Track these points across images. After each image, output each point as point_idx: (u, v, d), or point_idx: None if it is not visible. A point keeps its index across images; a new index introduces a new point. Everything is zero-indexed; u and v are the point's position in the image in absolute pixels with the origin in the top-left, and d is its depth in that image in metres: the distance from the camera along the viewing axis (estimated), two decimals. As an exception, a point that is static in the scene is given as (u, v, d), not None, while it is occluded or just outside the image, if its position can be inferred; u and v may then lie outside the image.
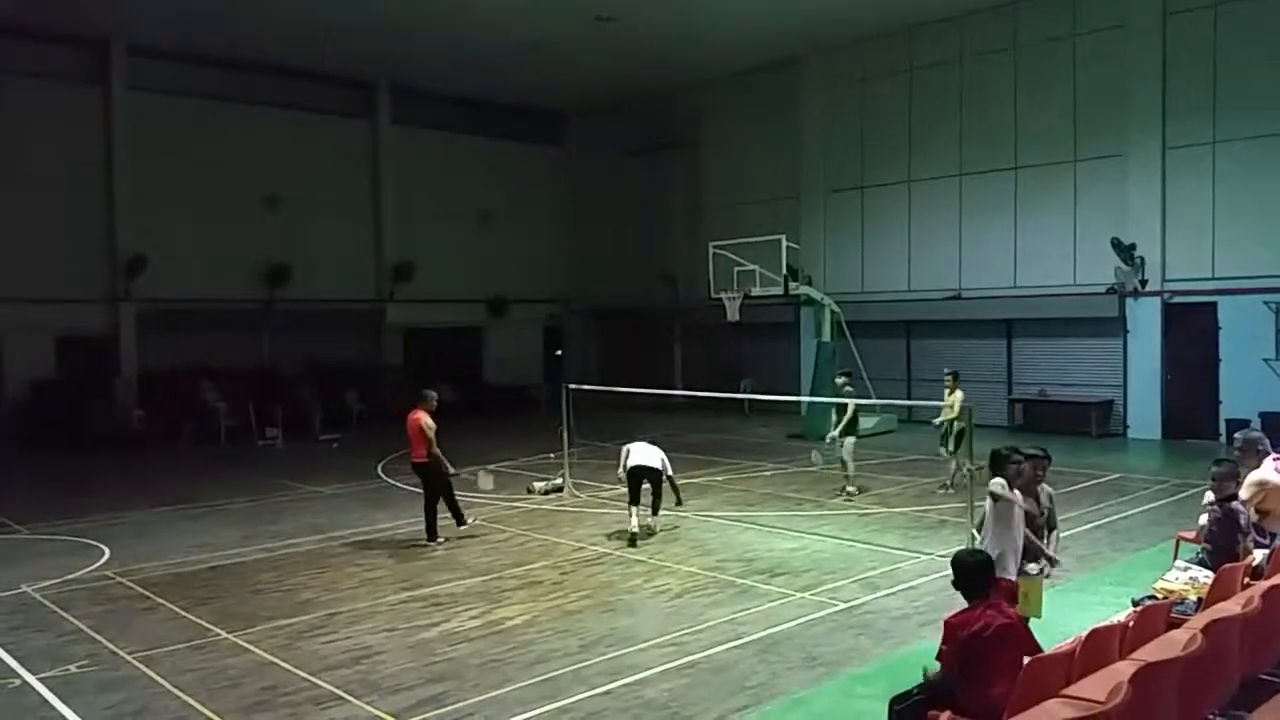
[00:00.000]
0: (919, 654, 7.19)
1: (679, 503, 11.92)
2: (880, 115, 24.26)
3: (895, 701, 5.13)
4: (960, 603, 5.21)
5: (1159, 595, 6.46)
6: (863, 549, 10.84)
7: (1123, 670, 4.14)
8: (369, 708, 6.51)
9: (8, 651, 7.76)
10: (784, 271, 20.58)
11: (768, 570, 9.95)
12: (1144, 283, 19.57)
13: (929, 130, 23.25)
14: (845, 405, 14.10)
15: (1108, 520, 12.04)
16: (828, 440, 14.57)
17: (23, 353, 21.90)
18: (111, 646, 7.84)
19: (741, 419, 24.29)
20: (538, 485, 14.78)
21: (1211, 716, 4.86)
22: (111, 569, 10.50)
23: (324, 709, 6.52)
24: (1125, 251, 19.53)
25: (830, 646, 7.59)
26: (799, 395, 21.73)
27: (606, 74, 26.97)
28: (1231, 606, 5.18)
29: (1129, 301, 19.86)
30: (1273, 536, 7.30)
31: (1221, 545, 6.93)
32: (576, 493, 14.37)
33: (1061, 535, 7.01)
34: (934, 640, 7.21)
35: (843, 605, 8.66)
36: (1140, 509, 12.74)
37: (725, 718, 6.27)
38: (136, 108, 23.39)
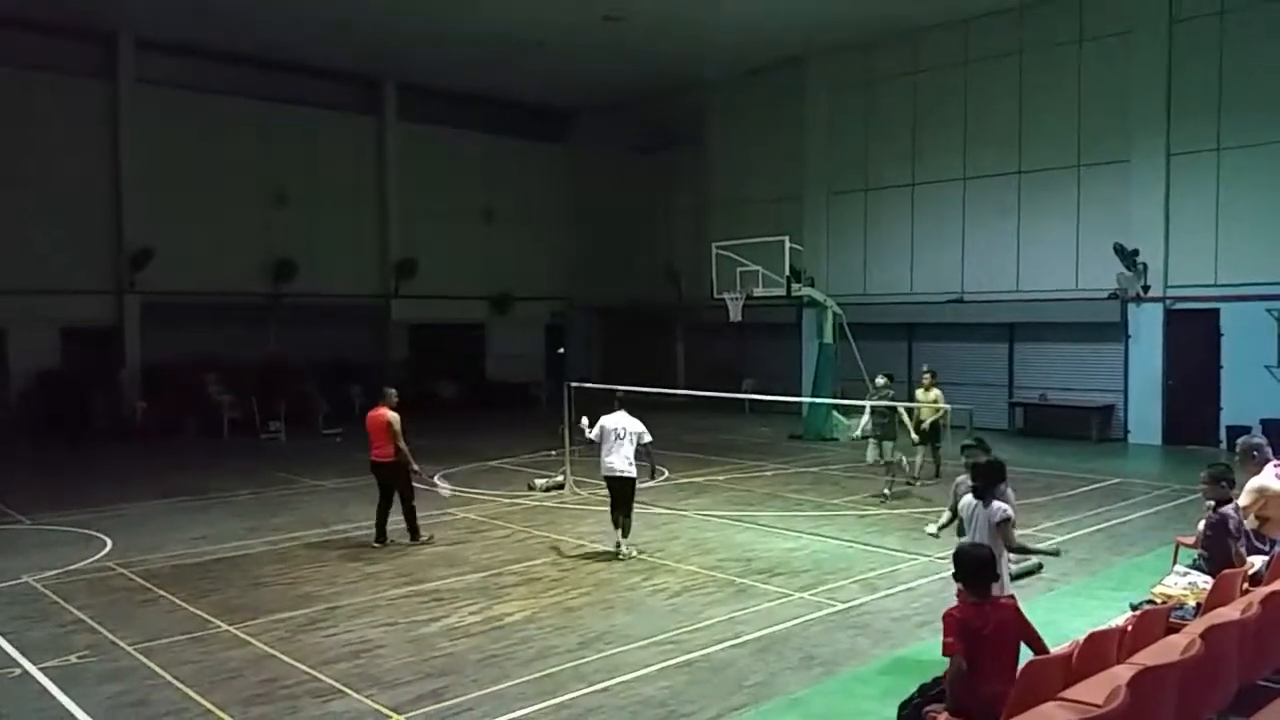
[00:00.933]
0: (917, 655, 7.23)
1: (652, 475, 11.67)
2: (884, 118, 24.26)
3: (903, 708, 5.15)
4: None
5: (1158, 600, 6.47)
6: (862, 550, 10.86)
7: (1121, 674, 4.16)
8: (369, 701, 6.54)
9: (9, 641, 7.79)
10: (786, 272, 20.58)
11: (767, 570, 9.97)
12: (1146, 288, 19.57)
13: (933, 133, 23.25)
14: (888, 407, 14.40)
15: (1107, 525, 12.05)
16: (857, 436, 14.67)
17: (28, 344, 21.94)
18: (112, 637, 7.87)
19: (742, 419, 24.31)
20: (539, 482, 14.83)
21: (1209, 721, 4.88)
22: (113, 560, 10.53)
23: (324, 702, 6.55)
24: (1128, 257, 19.53)
25: (828, 646, 7.60)
26: (800, 396, 21.76)
27: (612, 72, 27.00)
28: (1230, 612, 5.19)
29: (1131, 307, 19.86)
30: (1273, 543, 7.30)
31: (1217, 551, 6.94)
32: (577, 490, 14.39)
33: (1045, 540, 6.98)
34: (932, 641, 7.25)
35: (841, 605, 8.68)
36: (1140, 514, 12.74)
37: (723, 716, 6.28)
38: (143, 102, 23.44)
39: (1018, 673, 4.56)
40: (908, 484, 14.59)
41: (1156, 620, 5.43)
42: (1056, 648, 4.99)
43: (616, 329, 31.45)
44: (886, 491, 13.74)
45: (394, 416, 11.24)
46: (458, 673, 7.07)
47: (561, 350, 31.43)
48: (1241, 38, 18.43)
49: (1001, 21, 21.80)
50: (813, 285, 22.06)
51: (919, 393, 15.65)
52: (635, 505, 10.87)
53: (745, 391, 23.54)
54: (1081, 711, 3.84)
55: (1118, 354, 20.25)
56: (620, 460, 10.54)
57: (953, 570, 5.20)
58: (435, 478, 13.27)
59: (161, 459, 18.57)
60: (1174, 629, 5.22)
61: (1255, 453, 7.66)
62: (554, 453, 16.28)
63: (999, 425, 21.22)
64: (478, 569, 10.11)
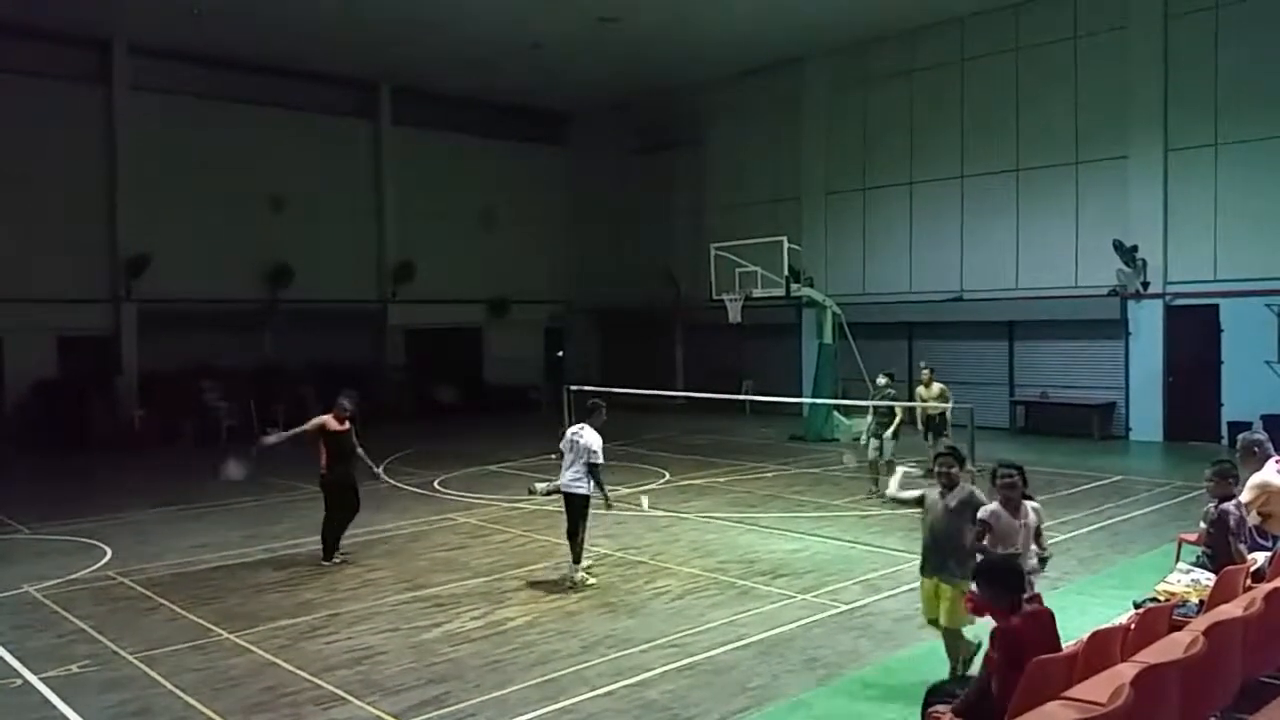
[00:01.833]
0: (920, 656, 7.22)
1: (609, 507, 9.94)
2: (882, 116, 24.26)
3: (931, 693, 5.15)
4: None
5: (1161, 598, 6.46)
6: (864, 551, 10.84)
7: (1124, 672, 4.14)
8: (370, 708, 6.52)
9: (9, 651, 7.77)
10: (785, 273, 20.57)
11: (769, 572, 9.96)
12: (1146, 285, 19.56)
13: (931, 132, 23.25)
14: (889, 406, 14.45)
15: (1109, 522, 12.04)
16: (862, 441, 14.66)
17: (24, 352, 21.87)
18: (113, 646, 7.85)
19: (742, 420, 24.30)
20: (539, 486, 14.67)
21: (1213, 719, 4.86)
22: (113, 569, 10.51)
23: (325, 709, 6.53)
24: (1127, 253, 19.53)
25: (831, 648, 7.59)
26: (800, 397, 21.75)
27: (608, 74, 26.99)
28: (1233, 609, 5.17)
29: (1131, 304, 19.85)
30: (1275, 540, 7.29)
31: (1220, 547, 6.93)
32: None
33: (1048, 540, 6.94)
34: (933, 641, 7.24)
35: (844, 607, 8.66)
36: (1142, 511, 12.73)
37: (726, 719, 6.27)
38: (138, 107, 23.40)
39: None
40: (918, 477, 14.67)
41: (1159, 618, 5.42)
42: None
43: (615, 331, 31.43)
44: (873, 488, 13.78)
45: (333, 425, 10.56)
46: (459, 678, 7.05)
47: (560, 353, 31.40)
48: (1238, 31, 18.43)
49: (997, 19, 21.80)
50: (812, 285, 22.04)
51: (920, 390, 15.80)
52: (639, 509, 10.77)
53: (745, 393, 23.52)
54: (1085, 710, 3.82)
55: (1118, 351, 20.24)
56: (568, 474, 9.68)
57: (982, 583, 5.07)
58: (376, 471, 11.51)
59: (159, 467, 18.54)
60: (1177, 626, 5.20)
61: (1256, 448, 7.64)
62: (555, 455, 16.23)
63: (1000, 424, 21.21)
64: (478, 574, 10.09)
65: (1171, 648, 4.54)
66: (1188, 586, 6.53)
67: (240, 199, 24.83)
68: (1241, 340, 18.37)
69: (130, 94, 23.37)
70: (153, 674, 7.21)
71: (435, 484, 15.74)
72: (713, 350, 27.75)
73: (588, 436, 9.68)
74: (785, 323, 25.32)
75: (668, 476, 15.97)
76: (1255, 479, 7.44)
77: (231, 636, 8.09)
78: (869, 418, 14.67)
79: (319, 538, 10.78)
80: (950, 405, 15.22)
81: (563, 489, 9.74)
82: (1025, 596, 5.03)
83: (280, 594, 9.45)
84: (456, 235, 28.85)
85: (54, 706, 6.66)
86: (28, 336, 21.83)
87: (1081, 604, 8.41)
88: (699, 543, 11.36)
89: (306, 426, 10.75)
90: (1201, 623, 4.90)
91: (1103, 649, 4.76)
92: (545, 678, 7.02)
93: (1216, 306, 18.79)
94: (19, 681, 7.13)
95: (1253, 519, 7.25)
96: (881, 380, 14.91)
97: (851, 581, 9.53)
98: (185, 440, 21.70)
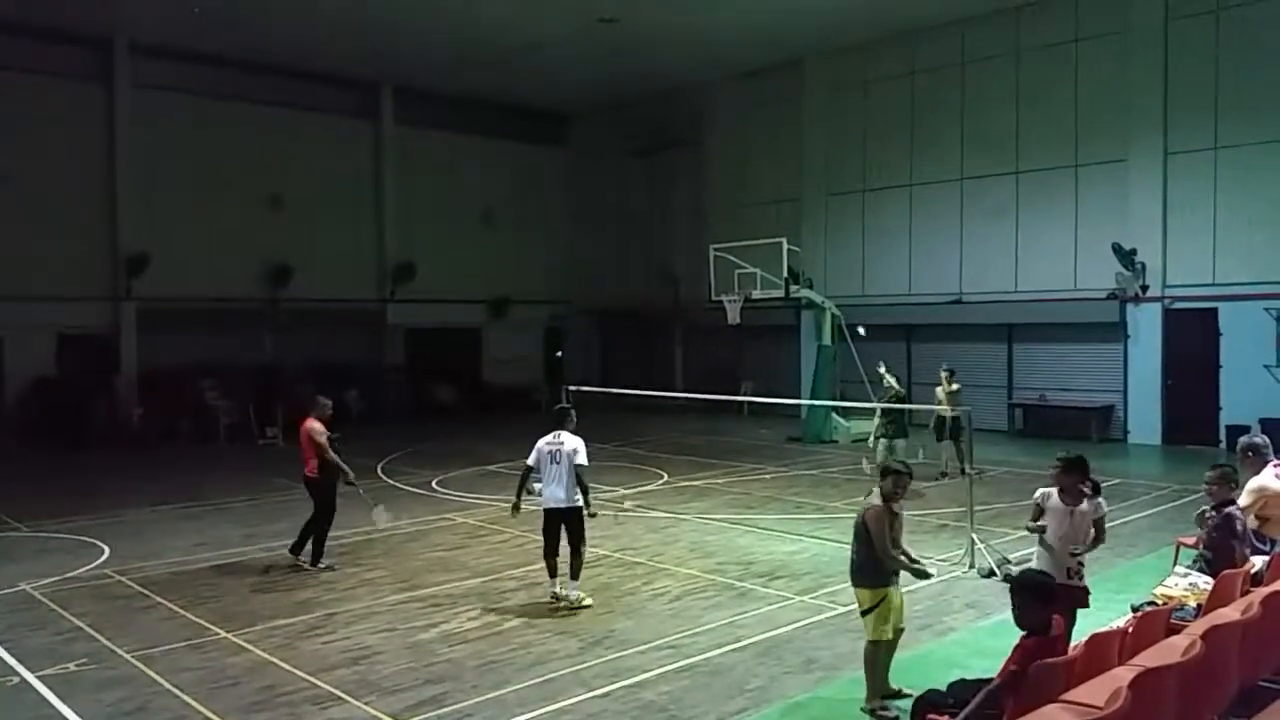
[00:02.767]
0: (918, 658, 7.22)
1: (592, 515, 9.22)
2: (882, 119, 24.26)
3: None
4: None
5: (1159, 601, 6.45)
6: (862, 552, 10.81)
7: (1122, 676, 4.14)
8: (367, 708, 6.51)
9: (7, 649, 7.76)
10: (785, 274, 20.57)
11: (767, 573, 9.95)
12: (1145, 288, 19.57)
13: (930, 134, 23.26)
14: (897, 411, 14.71)
15: (1107, 525, 11.98)
16: (870, 444, 14.73)
17: (24, 350, 21.87)
18: (111, 645, 7.84)
19: (741, 421, 24.29)
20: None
21: (1210, 722, 4.87)
22: (111, 567, 10.50)
23: (323, 709, 6.52)
24: (1126, 256, 19.53)
25: (829, 650, 7.59)
26: (799, 398, 21.74)
27: (609, 75, 26.98)
28: (1231, 613, 5.18)
29: (1130, 307, 19.86)
30: (1273, 543, 7.30)
31: (1220, 552, 6.93)
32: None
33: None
34: (931, 643, 7.24)
35: (842, 609, 8.64)
36: (1140, 514, 12.75)
37: (724, 720, 6.27)
38: (139, 106, 23.39)
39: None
40: (936, 478, 14.95)
41: (1157, 621, 5.42)
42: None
43: (615, 332, 31.43)
44: (867, 470, 13.83)
45: (319, 428, 10.39)
46: (457, 678, 7.04)
47: (560, 354, 31.40)
48: (1238, 35, 18.45)
49: (998, 22, 21.82)
50: (811, 287, 22.04)
51: (939, 390, 15.87)
52: (634, 511, 10.78)
53: (744, 394, 23.52)
54: (1083, 713, 3.83)
55: (1117, 354, 20.25)
56: (561, 489, 8.97)
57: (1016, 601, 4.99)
58: (376, 508, 11.27)
59: (158, 465, 18.53)
60: (1175, 630, 5.21)
61: (1254, 452, 7.66)
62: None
63: (999, 426, 21.23)
64: (476, 574, 10.09)
65: (1169, 651, 4.55)
66: (1186, 590, 6.53)
67: (241, 198, 24.82)
68: (1240, 344, 18.37)
69: (131, 92, 23.36)
70: (150, 673, 7.21)
71: (434, 484, 15.73)
72: (711, 351, 27.76)
73: (570, 443, 9.01)
74: (784, 324, 25.31)
75: (666, 477, 15.97)
76: (1253, 483, 7.46)
77: (229, 636, 8.08)
78: (875, 420, 14.72)
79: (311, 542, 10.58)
80: (957, 411, 15.20)
81: (561, 506, 8.97)
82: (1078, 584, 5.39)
83: (278, 593, 9.44)
84: (456, 235, 28.85)
85: (51, 705, 6.65)
86: (27, 334, 21.82)
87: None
88: (697, 544, 11.36)
89: (323, 444, 10.35)
90: (1199, 626, 4.91)
91: (1101, 652, 4.77)
92: (543, 678, 7.01)
93: (1215, 310, 18.79)
94: (16, 679, 7.13)
95: (1250, 523, 7.25)
96: (881, 369, 15.21)
97: (849, 583, 9.50)
98: (184, 439, 21.67)
